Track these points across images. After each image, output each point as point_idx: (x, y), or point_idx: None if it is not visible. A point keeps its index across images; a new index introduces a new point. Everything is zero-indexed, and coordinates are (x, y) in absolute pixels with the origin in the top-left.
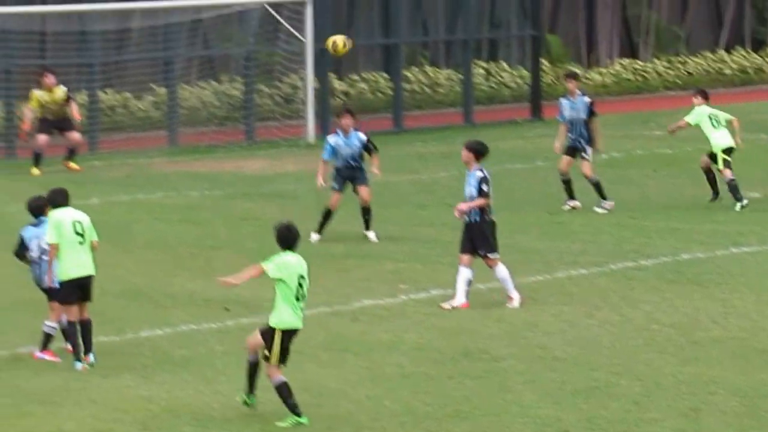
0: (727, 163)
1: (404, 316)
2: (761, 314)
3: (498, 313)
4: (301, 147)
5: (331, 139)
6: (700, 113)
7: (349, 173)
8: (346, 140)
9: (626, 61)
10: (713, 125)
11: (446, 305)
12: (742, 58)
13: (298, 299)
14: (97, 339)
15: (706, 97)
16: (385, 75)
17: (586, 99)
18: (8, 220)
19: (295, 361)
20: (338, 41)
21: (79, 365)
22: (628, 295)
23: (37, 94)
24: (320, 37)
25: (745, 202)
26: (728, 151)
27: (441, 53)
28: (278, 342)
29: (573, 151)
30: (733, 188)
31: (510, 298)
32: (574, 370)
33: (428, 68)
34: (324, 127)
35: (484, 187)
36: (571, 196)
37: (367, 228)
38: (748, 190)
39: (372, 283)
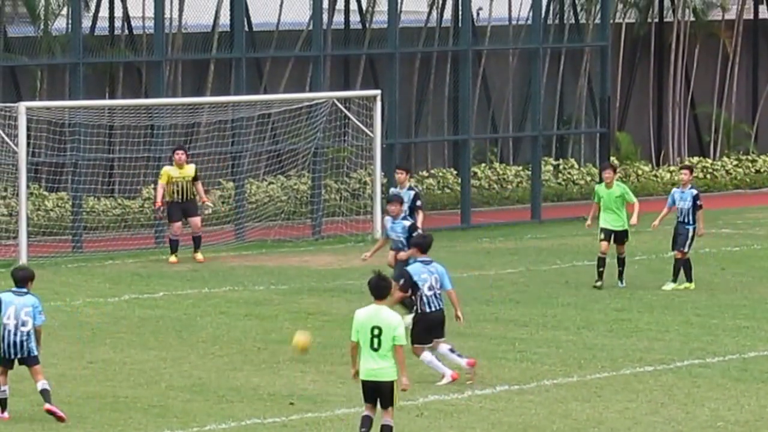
0: None
1: (469, 412)
2: None
3: (563, 409)
4: (368, 242)
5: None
6: None
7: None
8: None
9: (695, 159)
10: None
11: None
12: None
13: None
14: None
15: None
16: (454, 171)
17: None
18: (77, 314)
19: None
20: (302, 341)
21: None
22: (694, 392)
23: (168, 169)
24: (390, 132)
25: None
26: None
27: (510, 149)
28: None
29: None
30: None
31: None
32: None
33: (497, 164)
34: None
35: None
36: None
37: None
38: None
39: (438, 379)
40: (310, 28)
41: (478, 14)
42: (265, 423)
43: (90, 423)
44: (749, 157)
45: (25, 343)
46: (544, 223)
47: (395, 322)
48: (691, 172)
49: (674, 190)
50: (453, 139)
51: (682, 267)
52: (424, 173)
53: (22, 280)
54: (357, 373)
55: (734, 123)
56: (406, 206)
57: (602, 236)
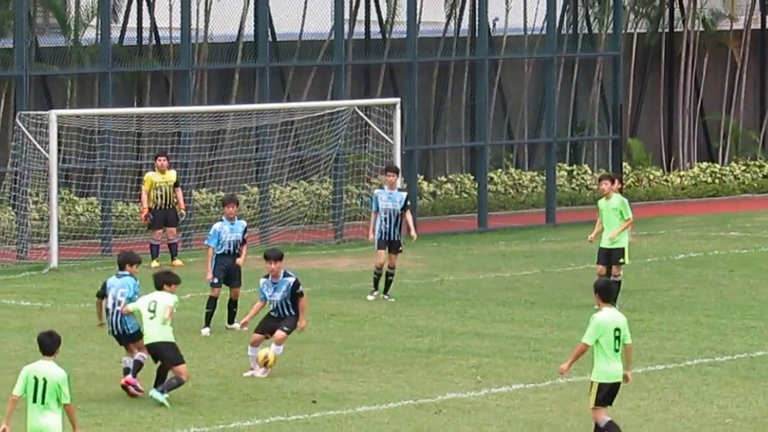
0: None
1: (486, 409)
2: None
3: (577, 407)
4: None
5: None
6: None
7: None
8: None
9: (704, 165)
10: None
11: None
12: None
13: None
14: (188, 429)
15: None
16: (471, 176)
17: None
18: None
19: None
20: (270, 357)
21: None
22: (703, 390)
23: (150, 175)
24: (409, 139)
25: None
26: None
27: (525, 156)
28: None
29: None
30: None
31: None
32: None
33: (513, 170)
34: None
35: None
36: None
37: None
38: None
39: (455, 377)
40: (332, 38)
41: (494, 24)
42: (289, 420)
43: (119, 420)
44: (756, 163)
45: (119, 322)
46: (559, 226)
47: None
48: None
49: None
50: (470, 145)
51: None
52: (443, 178)
53: (121, 264)
54: None
55: (742, 130)
56: (398, 206)
57: (598, 258)
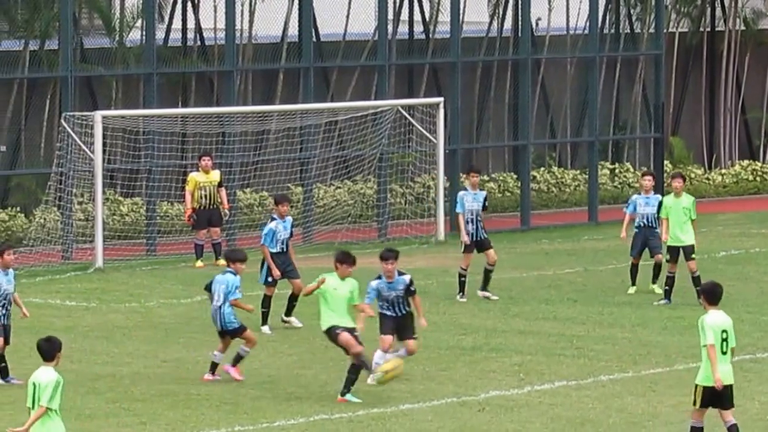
0: None
1: (529, 406)
2: None
3: (619, 404)
4: (431, 245)
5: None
6: None
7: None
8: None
9: (745, 163)
10: None
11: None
12: None
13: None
14: (232, 428)
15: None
16: (514, 175)
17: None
18: (151, 315)
19: None
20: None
21: None
22: (745, 386)
23: (194, 175)
24: (452, 138)
25: None
26: None
27: (567, 154)
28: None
29: None
30: None
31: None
32: None
33: (555, 168)
34: (453, 225)
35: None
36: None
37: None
38: None
39: (498, 375)
40: (376, 38)
41: (537, 24)
42: (333, 419)
43: (164, 419)
44: None
45: (220, 317)
46: (601, 224)
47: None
48: (655, 178)
49: (636, 196)
50: (513, 144)
51: (655, 269)
52: (485, 177)
53: (225, 259)
54: None
55: None
56: (481, 205)
57: (668, 256)
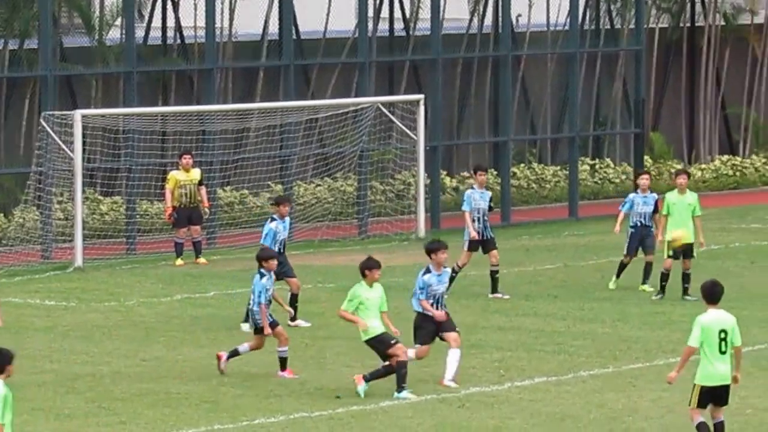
0: None
1: (509, 402)
2: None
3: (599, 399)
4: (411, 241)
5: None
6: None
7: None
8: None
9: (725, 158)
10: None
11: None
12: None
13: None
14: (212, 426)
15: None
16: (494, 171)
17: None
18: (131, 314)
19: None
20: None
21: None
22: None
23: (175, 173)
24: (433, 135)
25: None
26: None
27: (548, 150)
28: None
29: None
30: None
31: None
32: None
33: (535, 165)
34: (434, 222)
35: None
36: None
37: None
38: None
39: (479, 371)
40: (356, 35)
41: (517, 21)
42: (312, 416)
43: (144, 419)
44: None
45: (252, 316)
46: (581, 220)
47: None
48: (651, 177)
49: (633, 195)
50: (493, 141)
51: (646, 269)
52: (466, 174)
53: (257, 260)
54: None
55: (762, 123)
56: (487, 204)
57: (670, 252)
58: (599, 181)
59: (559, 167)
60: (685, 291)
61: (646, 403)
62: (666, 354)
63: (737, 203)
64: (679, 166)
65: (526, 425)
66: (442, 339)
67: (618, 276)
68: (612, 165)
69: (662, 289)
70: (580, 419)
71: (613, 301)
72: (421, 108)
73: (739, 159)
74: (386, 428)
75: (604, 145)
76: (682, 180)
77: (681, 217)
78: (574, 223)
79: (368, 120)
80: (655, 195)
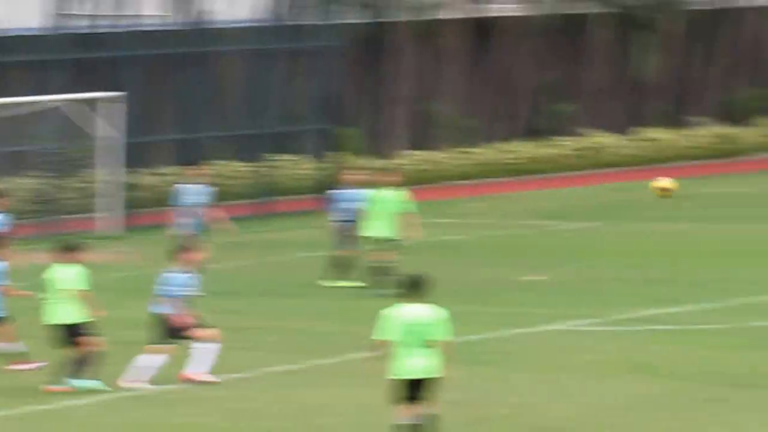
0: None
1: (201, 399)
2: (533, 391)
3: (289, 395)
4: (109, 239)
5: None
6: None
7: None
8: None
9: (420, 152)
10: None
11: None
12: (532, 148)
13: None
14: None
15: None
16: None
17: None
18: None
19: None
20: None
21: None
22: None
23: None
24: (129, 131)
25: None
26: None
27: (240, 147)
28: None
29: None
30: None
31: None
32: None
33: (226, 162)
34: (129, 219)
35: None
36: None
37: None
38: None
39: (168, 368)
40: (47, 33)
41: (207, 17)
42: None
43: None
44: (472, 150)
45: None
46: (275, 216)
47: None
48: (354, 172)
49: (342, 191)
50: (186, 137)
51: (339, 264)
52: (162, 172)
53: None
54: None
55: (455, 117)
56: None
57: (372, 246)
58: (296, 179)
59: (249, 163)
60: (381, 284)
61: (337, 399)
62: (357, 349)
63: (433, 197)
64: (379, 162)
65: (216, 422)
66: None
67: (335, 272)
68: (304, 161)
69: (377, 283)
70: (272, 416)
71: (306, 297)
72: (115, 105)
73: (434, 153)
74: (69, 427)
75: (297, 141)
76: (382, 176)
77: (382, 212)
78: (264, 220)
79: (60, 117)
80: (362, 190)
